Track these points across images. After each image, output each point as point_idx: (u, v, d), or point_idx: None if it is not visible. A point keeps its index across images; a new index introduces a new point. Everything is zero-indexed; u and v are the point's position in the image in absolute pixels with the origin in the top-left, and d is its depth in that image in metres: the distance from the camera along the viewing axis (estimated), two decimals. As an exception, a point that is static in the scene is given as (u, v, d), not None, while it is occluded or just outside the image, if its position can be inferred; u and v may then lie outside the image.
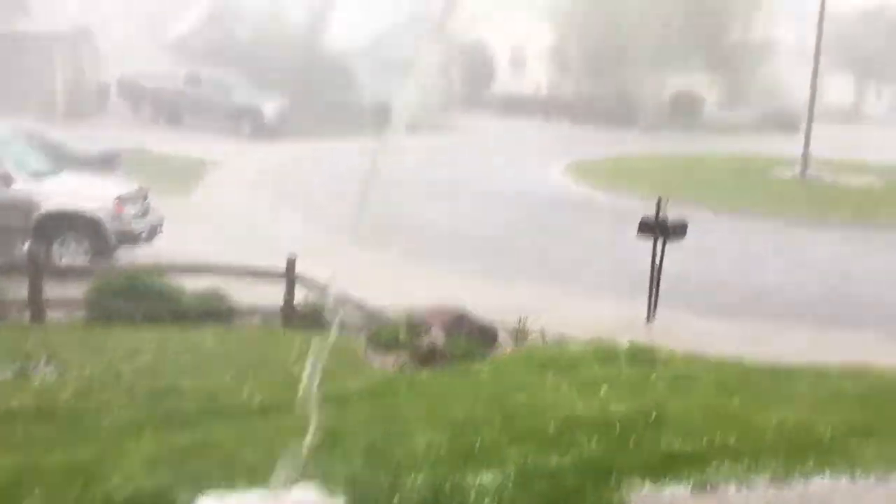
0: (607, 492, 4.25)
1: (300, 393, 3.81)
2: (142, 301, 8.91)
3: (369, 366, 7.91)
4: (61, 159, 13.49)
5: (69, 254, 11.09)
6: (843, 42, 42.28)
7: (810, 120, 23.83)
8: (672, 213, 10.00)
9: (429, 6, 41.29)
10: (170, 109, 28.12)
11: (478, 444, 4.79)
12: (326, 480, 4.07)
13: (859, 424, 5.71)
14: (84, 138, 17.99)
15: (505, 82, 41.41)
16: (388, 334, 8.46)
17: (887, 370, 7.65)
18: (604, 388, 6.45)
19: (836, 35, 40.13)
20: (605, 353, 8.05)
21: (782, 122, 36.96)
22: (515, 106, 38.86)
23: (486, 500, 4.03)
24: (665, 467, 4.56)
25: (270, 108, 27.46)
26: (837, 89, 45.63)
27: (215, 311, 9.25)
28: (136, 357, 7.13)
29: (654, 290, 9.87)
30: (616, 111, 36.02)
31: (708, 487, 4.37)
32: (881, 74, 46.94)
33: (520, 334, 8.96)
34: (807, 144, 23.18)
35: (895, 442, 5.36)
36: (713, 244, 14.08)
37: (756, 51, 38.67)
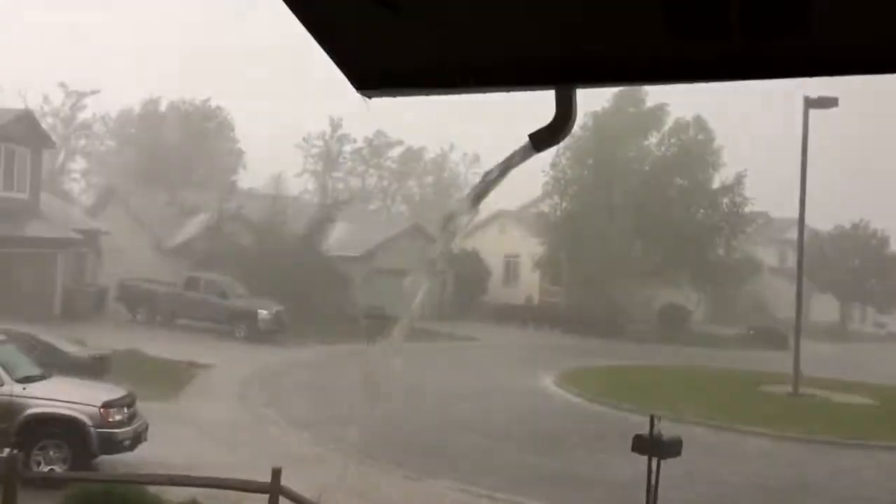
0: None
1: None
2: (118, 513, 8.56)
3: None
4: (52, 362, 13.45)
5: (48, 461, 10.79)
6: (824, 263, 43.76)
7: (798, 337, 24.12)
8: (665, 429, 9.88)
9: (423, 219, 43.11)
10: (166, 312, 28.45)
11: None
12: None
13: None
14: (77, 341, 18.06)
15: (497, 292, 42.26)
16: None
17: None
18: None
19: (817, 255, 41.62)
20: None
21: (769, 339, 37.38)
22: (507, 315, 39.44)
23: None
24: None
25: (266, 312, 27.80)
26: (822, 308, 46.62)
27: (194, 525, 8.86)
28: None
29: (649, 511, 9.55)
30: (606, 322, 36.51)
31: None
32: (862, 294, 48.08)
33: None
34: (797, 362, 23.29)
35: None
36: (708, 462, 13.79)
37: (740, 269, 39.86)
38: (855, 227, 48.41)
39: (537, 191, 42.50)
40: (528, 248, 41.32)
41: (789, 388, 22.97)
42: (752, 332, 39.18)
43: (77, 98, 48.62)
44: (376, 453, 12.76)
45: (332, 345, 26.20)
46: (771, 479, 13.84)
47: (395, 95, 1.19)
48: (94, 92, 48.07)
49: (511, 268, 44.81)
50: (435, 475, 12.38)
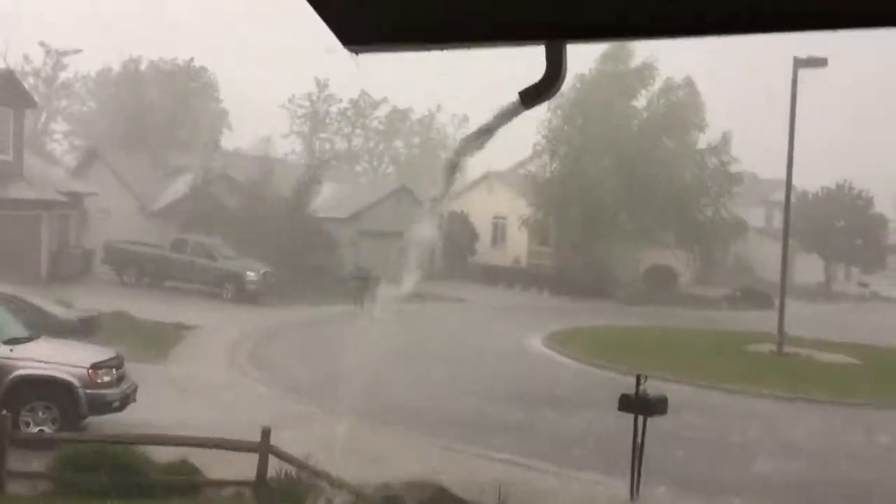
0: None
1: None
2: (108, 473, 8.63)
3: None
4: (39, 324, 13.43)
5: (37, 422, 10.83)
6: (809, 224, 43.98)
7: (783, 297, 24.34)
8: (651, 388, 10.01)
9: (410, 180, 42.97)
10: (153, 274, 28.39)
11: None
12: None
13: None
14: (64, 303, 18.02)
15: (485, 253, 42.32)
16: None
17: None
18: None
19: (803, 216, 41.82)
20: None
21: (755, 299, 37.69)
22: (495, 276, 39.56)
23: None
24: None
25: (253, 274, 27.78)
26: (807, 269, 46.94)
27: (185, 484, 8.95)
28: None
29: (636, 467, 9.70)
30: (593, 283, 36.68)
31: None
32: (847, 254, 48.41)
33: (499, 513, 8.70)
34: (781, 321, 23.53)
35: None
36: (693, 421, 13.97)
37: (728, 229, 40.01)
38: (840, 187, 48.59)
39: (527, 152, 42.39)
40: (517, 209, 41.28)
41: (774, 348, 23.24)
42: (738, 293, 39.48)
43: (57, 58, 47.91)
44: (366, 413, 12.86)
45: (319, 306, 26.25)
46: (754, 437, 14.05)
47: (382, 51, 1.18)
48: (75, 51, 47.39)
49: (499, 229, 44.81)
50: (423, 433, 12.50)
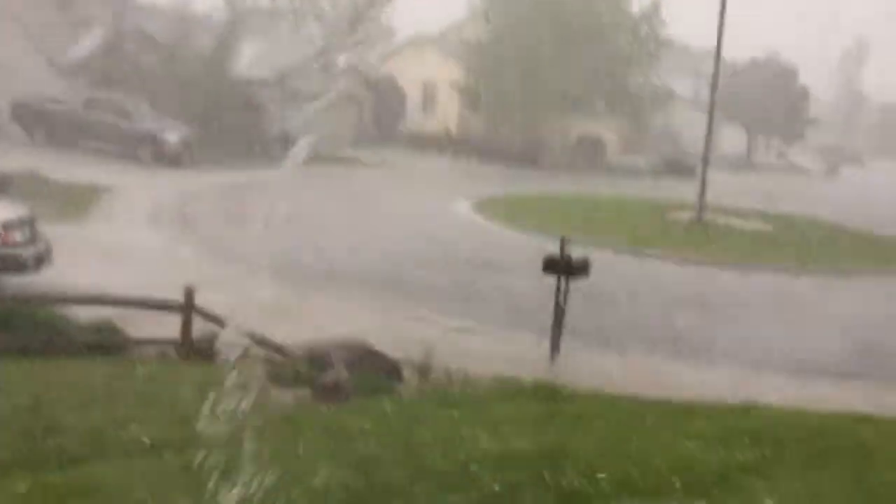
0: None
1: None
2: (25, 333, 8.40)
3: (268, 402, 7.63)
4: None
5: (-54, 282, 10.41)
6: (735, 95, 44.47)
7: (705, 167, 24.82)
8: (575, 252, 10.16)
9: (337, 40, 41.41)
10: (66, 133, 27.08)
11: (381, 483, 4.64)
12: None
13: (750, 460, 5.83)
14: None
15: (415, 120, 41.72)
16: (288, 369, 8.22)
17: (773, 407, 7.90)
18: (507, 425, 6.40)
19: (729, 87, 42.21)
20: (509, 390, 8.03)
21: (679, 169, 38.44)
22: (425, 143, 39.18)
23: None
24: (568, 505, 4.53)
25: (173, 135, 26.78)
26: (730, 140, 47.86)
27: (107, 344, 8.80)
28: (13, 392, 6.68)
29: (557, 327, 9.95)
30: (524, 151, 36.73)
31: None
32: (769, 126, 49.41)
33: (424, 370, 8.85)
34: (702, 190, 24.08)
35: (784, 477, 5.49)
36: (615, 283, 14.36)
37: (655, 99, 40.20)
38: (767, 59, 49.03)
39: (460, 15, 41.23)
40: (448, 74, 40.47)
41: (694, 215, 23.88)
42: (663, 162, 40.16)
43: None
44: (291, 275, 12.79)
45: (240, 170, 25.59)
46: (672, 297, 14.57)
47: None
48: None
49: (429, 95, 44.00)
50: (350, 295, 12.53)
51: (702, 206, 23.94)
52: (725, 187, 28.01)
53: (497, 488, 4.70)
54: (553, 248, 10.23)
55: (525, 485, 4.82)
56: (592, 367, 9.72)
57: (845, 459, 6.24)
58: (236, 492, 4.56)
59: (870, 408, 8.23)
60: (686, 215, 24.33)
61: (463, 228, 20.61)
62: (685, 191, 27.29)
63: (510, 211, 22.73)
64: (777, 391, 9.02)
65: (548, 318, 10.05)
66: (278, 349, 8.67)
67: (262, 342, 8.56)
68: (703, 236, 21.36)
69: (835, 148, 57.17)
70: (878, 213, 27.69)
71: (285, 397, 7.69)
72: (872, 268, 19.08)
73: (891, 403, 8.77)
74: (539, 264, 10.30)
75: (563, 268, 10.03)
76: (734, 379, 9.73)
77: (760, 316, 13.85)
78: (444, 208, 22.99)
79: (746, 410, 7.78)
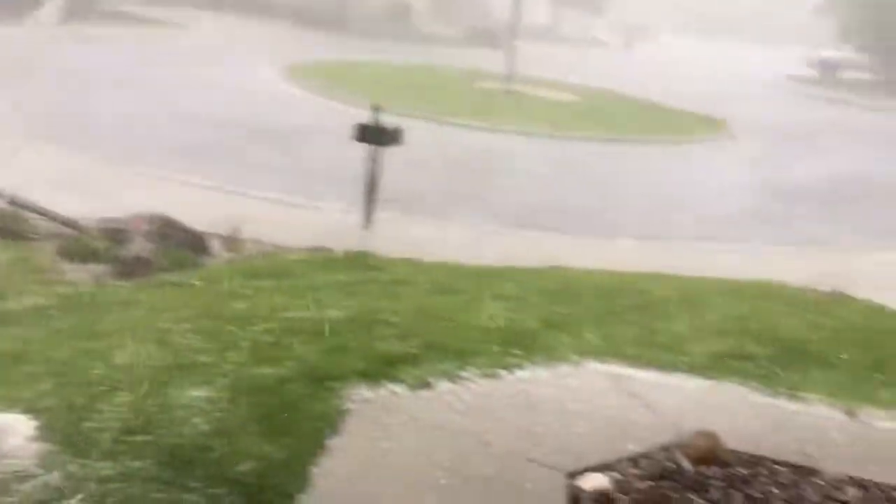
0: (325, 399, 4.16)
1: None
2: None
3: (61, 278, 7.12)
4: None
5: None
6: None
7: (513, 37, 25.07)
8: (386, 120, 10.00)
9: None
10: None
11: (188, 357, 4.47)
12: (9, 405, 3.60)
13: (557, 318, 6.16)
14: None
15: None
16: (83, 244, 7.66)
17: (576, 268, 8.37)
18: (319, 294, 6.34)
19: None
20: (321, 260, 7.94)
21: (487, 38, 38.65)
22: (222, 2, 36.79)
23: (197, 417, 3.76)
24: (382, 370, 4.57)
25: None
26: (538, 11, 48.46)
27: None
28: None
29: (370, 196, 9.88)
30: (333, 15, 35.46)
31: (424, 385, 4.45)
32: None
33: (233, 243, 8.56)
34: (509, 60, 24.38)
35: (585, 332, 5.85)
36: (426, 151, 14.41)
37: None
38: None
39: None
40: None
41: (502, 85, 24.23)
42: (471, 31, 40.16)
43: None
44: (84, 145, 11.85)
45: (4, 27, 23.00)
46: (484, 166, 14.84)
47: None
48: None
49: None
50: (148, 166, 11.79)
51: (511, 76, 24.30)
52: (532, 58, 28.50)
53: (311, 358, 4.67)
54: (364, 117, 10.02)
55: (339, 353, 4.81)
56: (407, 236, 9.80)
57: (637, 313, 6.73)
58: (28, 369, 4.25)
59: (664, 266, 8.90)
60: (495, 85, 24.64)
61: (270, 96, 19.80)
62: (494, 61, 27.52)
63: (319, 78, 22.04)
64: (582, 254, 9.52)
65: (362, 188, 9.94)
66: (68, 223, 8.05)
67: (51, 216, 7.92)
68: (513, 106, 21.78)
69: (631, 24, 59.46)
70: (673, 87, 29.30)
71: (79, 274, 7.20)
72: (670, 136, 20.23)
73: (684, 261, 9.50)
74: (350, 133, 10.07)
75: (374, 136, 9.88)
76: (544, 242, 10.16)
77: (570, 183, 14.44)
78: (251, 75, 21.93)
79: (552, 272, 8.18)
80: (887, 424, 4.81)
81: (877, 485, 3.90)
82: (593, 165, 16.37)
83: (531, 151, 16.94)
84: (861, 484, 3.89)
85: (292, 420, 3.92)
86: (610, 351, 5.41)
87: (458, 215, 11.30)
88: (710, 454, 3.94)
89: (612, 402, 4.55)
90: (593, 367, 5.07)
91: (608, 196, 13.77)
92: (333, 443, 3.73)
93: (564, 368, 4.96)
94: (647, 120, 22.24)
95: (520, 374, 4.78)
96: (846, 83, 37.40)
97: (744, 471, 3.87)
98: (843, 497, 3.76)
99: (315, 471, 3.48)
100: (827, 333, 6.84)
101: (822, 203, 14.42)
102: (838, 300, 8.44)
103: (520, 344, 5.26)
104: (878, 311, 8.13)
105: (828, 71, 40.06)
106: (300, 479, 3.41)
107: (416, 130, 12.52)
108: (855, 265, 10.26)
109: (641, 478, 3.70)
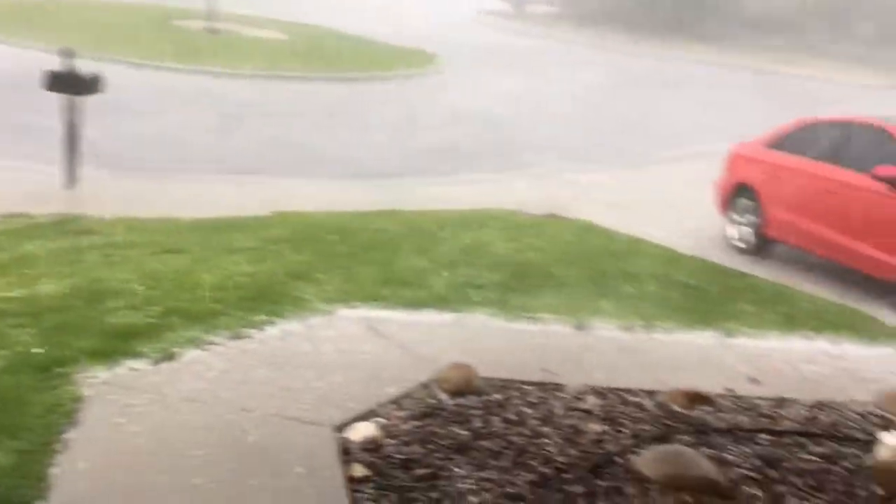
0: (54, 388, 3.72)
1: None
2: None
3: None
4: None
5: None
6: None
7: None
8: (82, 66, 9.03)
9: None
10: None
11: None
12: None
13: (298, 268, 6.01)
14: None
15: None
16: None
17: (304, 213, 8.21)
18: (27, 267, 5.65)
19: None
20: (22, 228, 7.09)
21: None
22: None
23: None
24: (118, 346, 4.18)
25: None
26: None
27: None
28: None
29: (72, 153, 8.91)
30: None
31: (168, 357, 4.13)
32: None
33: None
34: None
35: (330, 278, 5.77)
36: (130, 99, 13.30)
37: None
38: None
39: None
40: None
41: (204, 24, 22.96)
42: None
43: None
44: None
45: None
46: (193, 111, 13.98)
47: None
48: None
49: None
50: None
51: (212, 13, 23.06)
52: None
53: (33, 342, 4.15)
54: (55, 62, 8.95)
55: (64, 334, 4.32)
56: (117, 193, 9.00)
57: (375, 252, 6.77)
58: None
59: (395, 203, 9.01)
60: (195, 24, 23.28)
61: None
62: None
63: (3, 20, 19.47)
64: (303, 196, 9.34)
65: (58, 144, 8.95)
66: None
67: None
68: (219, 46, 20.72)
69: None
70: (408, 24, 29.36)
71: None
72: (382, 72, 20.22)
73: (407, 196, 9.66)
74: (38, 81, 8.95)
75: (69, 84, 8.88)
76: (270, 190, 9.80)
77: (282, 124, 14.03)
78: None
79: (279, 218, 7.96)
80: (610, 333, 5.28)
81: (612, 390, 4.27)
82: (306, 104, 16.08)
83: (238, 92, 16.24)
84: (599, 392, 4.23)
85: (17, 418, 3.46)
86: (357, 294, 5.38)
87: (170, 167, 10.57)
88: (466, 385, 4.07)
89: (367, 348, 4.54)
90: (343, 313, 5.02)
91: (324, 136, 13.59)
92: (71, 436, 3.35)
93: (315, 319, 4.86)
94: (361, 56, 22.15)
95: (270, 331, 4.61)
96: (534, 16, 39.83)
97: (498, 396, 4.05)
98: (584, 406, 4.06)
99: (54, 472, 3.11)
100: (548, 254, 7.35)
101: (525, 131, 15.30)
102: (551, 220, 9.12)
103: (265, 299, 5.07)
104: (587, 226, 8.89)
105: (519, 5, 42.33)
106: (37, 484, 3.03)
107: (118, 76, 11.45)
108: (565, 188, 11.10)
109: (406, 419, 3.73)
